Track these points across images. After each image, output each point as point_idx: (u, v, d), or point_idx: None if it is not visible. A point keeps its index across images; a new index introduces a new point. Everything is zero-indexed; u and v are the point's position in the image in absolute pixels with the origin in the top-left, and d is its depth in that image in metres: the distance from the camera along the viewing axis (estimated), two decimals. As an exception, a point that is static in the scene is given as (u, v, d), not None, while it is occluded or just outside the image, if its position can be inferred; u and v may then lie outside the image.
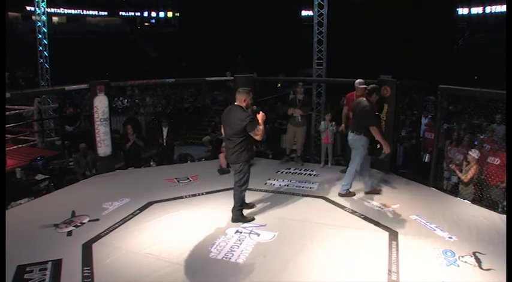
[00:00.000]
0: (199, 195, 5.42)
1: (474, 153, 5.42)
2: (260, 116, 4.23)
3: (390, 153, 5.41)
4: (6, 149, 6.93)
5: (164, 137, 7.56)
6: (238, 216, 4.51)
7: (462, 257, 3.78)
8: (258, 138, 4.22)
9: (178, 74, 17.59)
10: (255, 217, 4.64)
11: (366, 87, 5.94)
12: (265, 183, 5.87)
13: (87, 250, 3.95)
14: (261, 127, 4.17)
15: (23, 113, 9.20)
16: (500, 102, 5.16)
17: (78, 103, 12.88)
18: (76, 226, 4.51)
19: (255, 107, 4.47)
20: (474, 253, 3.83)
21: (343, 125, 6.27)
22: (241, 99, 4.28)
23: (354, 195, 5.31)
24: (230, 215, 4.65)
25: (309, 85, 9.06)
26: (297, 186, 5.75)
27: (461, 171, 5.59)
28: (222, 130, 4.53)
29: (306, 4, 18.31)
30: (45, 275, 3.54)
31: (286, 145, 7.05)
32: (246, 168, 4.41)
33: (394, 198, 5.22)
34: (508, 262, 3.07)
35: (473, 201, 5.25)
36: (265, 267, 3.65)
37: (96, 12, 34.23)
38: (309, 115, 6.91)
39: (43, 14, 10.68)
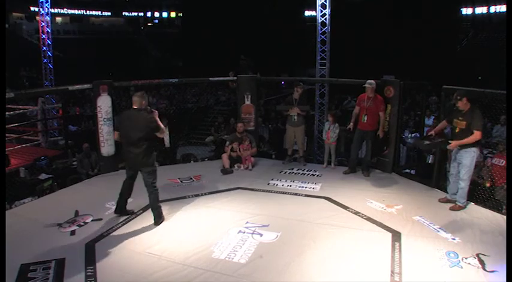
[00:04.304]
0: (202, 195, 5.44)
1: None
2: (155, 115, 4.51)
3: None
4: (11, 148, 6.97)
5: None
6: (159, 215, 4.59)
7: (465, 258, 3.76)
8: (162, 136, 4.70)
9: (182, 75, 17.62)
10: (258, 217, 4.64)
11: (373, 87, 5.95)
12: (268, 184, 5.87)
13: (90, 249, 3.97)
14: (162, 125, 4.49)
15: (26, 112, 9.24)
16: (503, 102, 5.11)
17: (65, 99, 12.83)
18: (79, 225, 4.53)
19: (148, 107, 4.62)
20: (478, 255, 3.81)
21: (351, 123, 6.24)
22: (141, 102, 4.42)
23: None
24: (232, 215, 4.66)
25: (312, 85, 9.03)
26: (300, 187, 5.74)
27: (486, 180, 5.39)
28: (115, 136, 4.86)
29: (309, 4, 18.32)
30: (48, 274, 3.56)
31: (288, 146, 7.04)
32: (155, 168, 4.59)
33: (397, 199, 5.20)
34: (508, 262, 3.06)
35: (478, 202, 5.20)
36: (267, 267, 3.65)
37: (99, 13, 34.37)
38: (306, 114, 6.88)
39: (47, 15, 10.73)
